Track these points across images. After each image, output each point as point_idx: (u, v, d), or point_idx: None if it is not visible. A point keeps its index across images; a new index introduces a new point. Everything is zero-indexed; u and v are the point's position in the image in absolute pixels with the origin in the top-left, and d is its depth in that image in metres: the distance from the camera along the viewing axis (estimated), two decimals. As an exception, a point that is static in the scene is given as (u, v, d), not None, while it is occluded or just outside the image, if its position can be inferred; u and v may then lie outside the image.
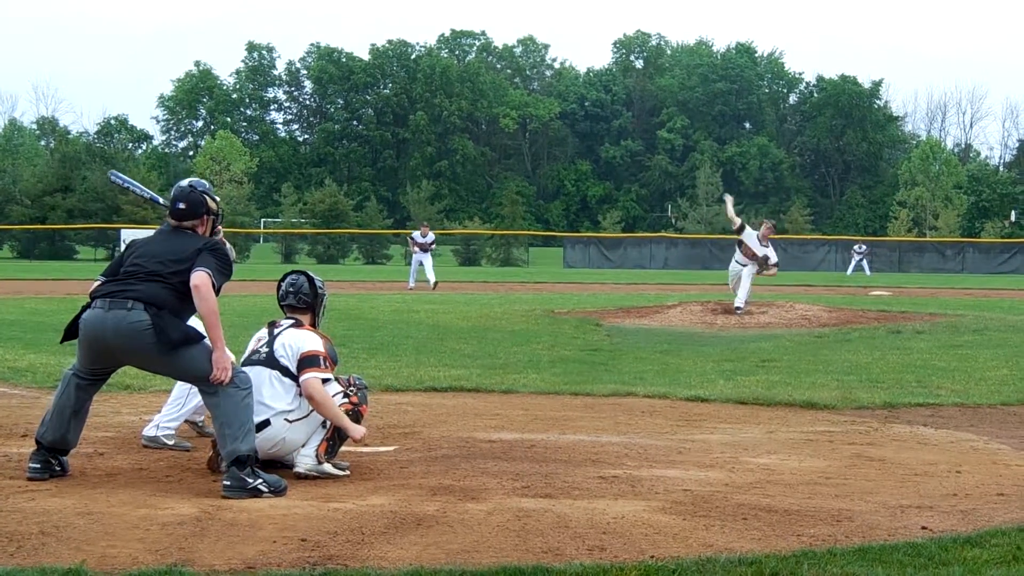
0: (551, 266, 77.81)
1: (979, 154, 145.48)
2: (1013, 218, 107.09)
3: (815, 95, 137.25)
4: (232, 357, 8.19)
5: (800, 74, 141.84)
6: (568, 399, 13.06)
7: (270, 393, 8.44)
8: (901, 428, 11.19)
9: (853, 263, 70.92)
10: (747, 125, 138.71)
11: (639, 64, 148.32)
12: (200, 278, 8.01)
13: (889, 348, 18.87)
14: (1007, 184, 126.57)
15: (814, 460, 9.38)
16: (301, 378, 8.45)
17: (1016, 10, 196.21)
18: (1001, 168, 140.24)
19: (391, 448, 9.28)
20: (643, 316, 24.64)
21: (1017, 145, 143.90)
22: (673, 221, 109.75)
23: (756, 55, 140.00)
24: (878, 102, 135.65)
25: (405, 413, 11.54)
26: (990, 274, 74.43)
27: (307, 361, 8.49)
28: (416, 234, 41.68)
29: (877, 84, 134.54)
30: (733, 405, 12.60)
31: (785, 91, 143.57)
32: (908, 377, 14.97)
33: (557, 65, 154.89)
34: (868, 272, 69.15)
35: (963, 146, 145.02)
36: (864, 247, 73.79)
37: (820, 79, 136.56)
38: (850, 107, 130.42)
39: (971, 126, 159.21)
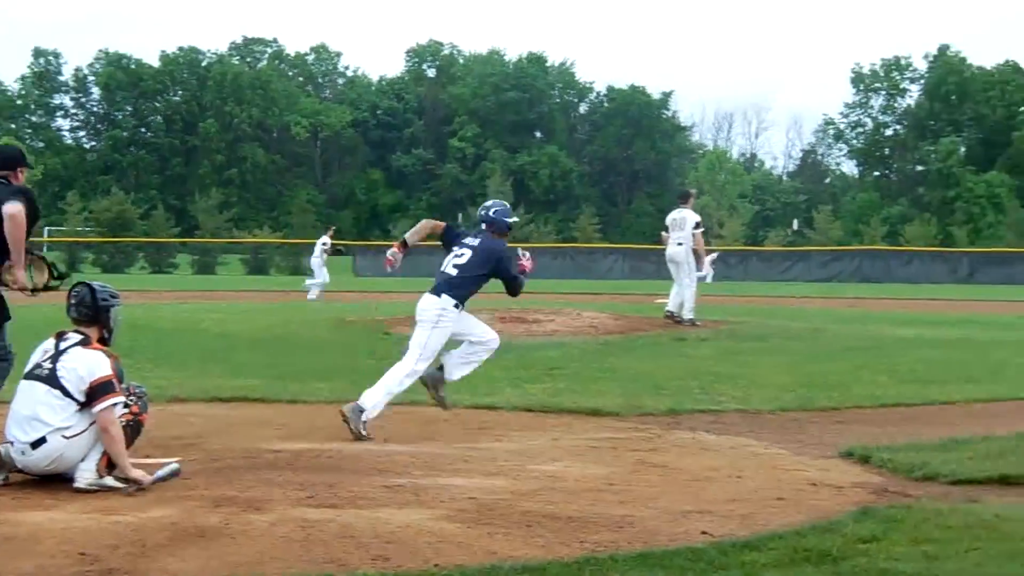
0: (341, 274, 77.38)
1: (763, 164, 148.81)
2: (795, 227, 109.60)
3: (605, 105, 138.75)
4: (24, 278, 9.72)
5: (591, 84, 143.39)
6: (355, 408, 12.98)
7: (46, 410, 8.35)
8: (683, 434, 11.37)
9: (711, 271, 72.14)
10: (538, 134, 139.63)
11: (431, 73, 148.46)
12: (15, 207, 9.67)
13: (673, 355, 19.14)
14: (790, 193, 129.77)
15: (598, 467, 9.47)
16: (96, 408, 8.38)
17: (800, 23, 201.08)
18: (785, 177, 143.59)
19: (174, 460, 9.14)
20: (433, 324, 24.62)
21: (800, 155, 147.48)
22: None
23: (547, 65, 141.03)
24: (667, 112, 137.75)
25: (189, 424, 11.38)
26: (772, 282, 76.00)
27: (100, 389, 8.42)
28: (326, 238, 41.35)
29: (666, 95, 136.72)
30: (519, 413, 12.67)
31: (576, 101, 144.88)
32: (691, 384, 15.20)
33: (350, 73, 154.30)
34: (710, 280, 70.36)
35: (748, 156, 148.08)
36: (715, 254, 75.20)
37: (611, 89, 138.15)
38: (639, 117, 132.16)
39: (756, 136, 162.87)
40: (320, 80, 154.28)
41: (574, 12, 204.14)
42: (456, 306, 11.59)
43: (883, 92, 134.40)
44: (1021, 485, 8.91)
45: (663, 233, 25.50)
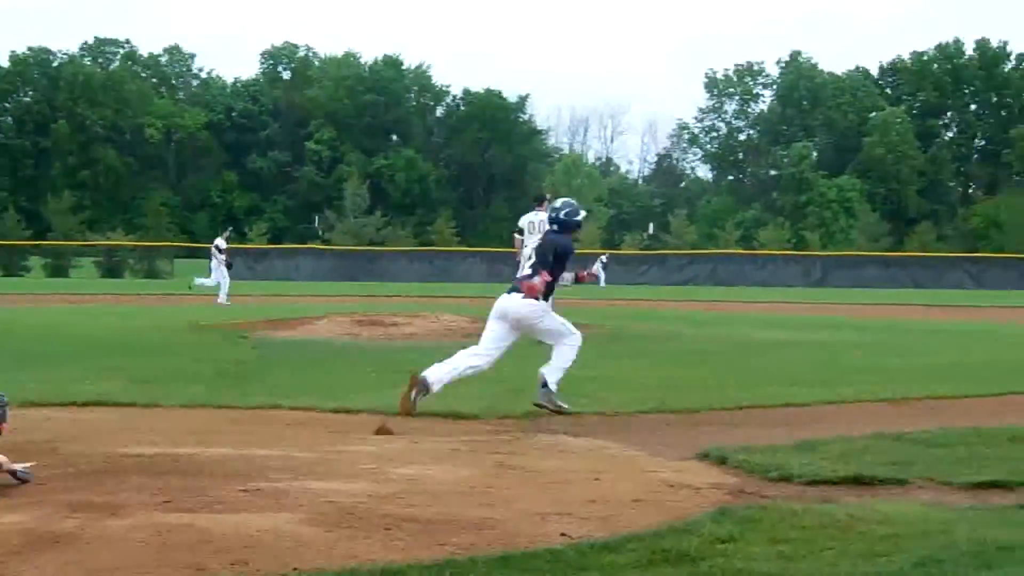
0: (197, 278, 76.56)
1: (619, 168, 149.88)
2: (651, 230, 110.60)
3: (462, 108, 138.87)
4: None
5: (447, 87, 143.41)
6: (214, 412, 12.86)
7: None
8: (543, 436, 11.39)
9: (603, 275, 72.54)
10: (395, 137, 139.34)
11: (287, 75, 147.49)
12: None
13: (532, 357, 19.16)
14: (646, 197, 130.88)
15: (458, 469, 9.46)
16: None
17: (655, 28, 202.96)
18: (640, 181, 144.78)
19: (29, 464, 8.97)
20: (290, 328, 24.50)
21: (656, 159, 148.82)
22: (320, 233, 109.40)
23: (404, 68, 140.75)
24: (523, 116, 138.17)
25: (46, 429, 11.18)
26: (629, 284, 76.65)
27: None
28: (220, 241, 40.82)
29: (523, 98, 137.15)
30: (378, 416, 12.61)
31: (432, 104, 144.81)
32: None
33: (204, 75, 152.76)
34: (602, 284, 70.80)
35: (604, 160, 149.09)
36: (606, 258, 75.77)
37: (467, 92, 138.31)
38: (496, 120, 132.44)
39: (612, 140, 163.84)
40: (174, 82, 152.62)
41: (430, 15, 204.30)
42: (545, 299, 12.71)
43: (737, 97, 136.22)
44: (875, 485, 9.05)
45: (516, 236, 25.67)
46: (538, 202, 26.03)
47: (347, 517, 7.59)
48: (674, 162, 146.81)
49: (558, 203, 13.26)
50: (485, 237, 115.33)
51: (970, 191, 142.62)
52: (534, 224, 25.14)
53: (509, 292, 12.78)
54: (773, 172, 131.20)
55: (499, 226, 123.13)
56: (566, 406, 12.64)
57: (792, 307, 44.29)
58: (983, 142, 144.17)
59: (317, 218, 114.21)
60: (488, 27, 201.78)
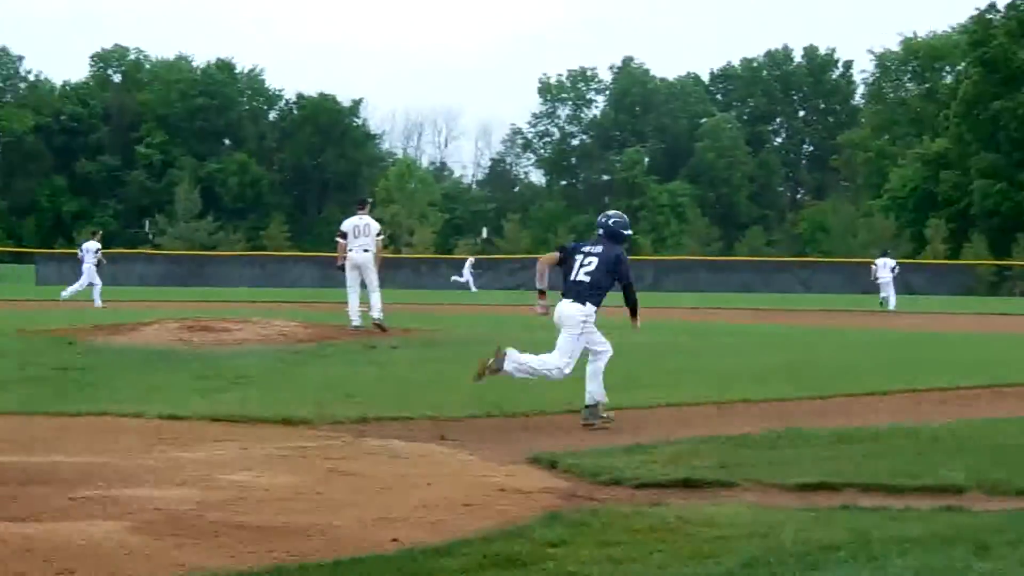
0: (23, 283, 75.17)
1: (453, 172, 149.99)
2: (485, 235, 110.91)
3: (295, 112, 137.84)
4: None
5: (280, 91, 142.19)
6: (40, 419, 12.65)
7: None
8: (374, 442, 11.36)
9: (472, 280, 72.44)
10: (227, 141, 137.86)
11: (117, 78, 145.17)
12: None
13: (365, 363, 19.14)
14: (480, 202, 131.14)
15: (288, 476, 9.40)
16: None
17: (488, 32, 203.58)
18: (474, 186, 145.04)
19: None
20: (119, 334, 24.09)
21: (489, 164, 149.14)
22: (151, 237, 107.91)
23: (236, 72, 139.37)
24: (357, 120, 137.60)
25: None
26: (462, 289, 76.76)
27: None
28: (95, 242, 40.34)
29: (356, 102, 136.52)
30: (208, 422, 12.48)
31: (265, 108, 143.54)
32: (382, 391, 15.21)
33: (32, 78, 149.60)
34: (473, 288, 70.75)
35: (438, 164, 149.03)
36: (474, 261, 75.70)
37: (300, 97, 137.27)
38: (329, 125, 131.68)
39: (446, 145, 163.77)
40: (1, 84, 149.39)
41: (263, 19, 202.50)
42: (596, 311, 13.22)
43: (570, 102, 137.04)
44: (703, 488, 9.18)
45: (340, 240, 25.78)
46: (360, 205, 26.25)
47: (175, 525, 7.51)
48: (508, 167, 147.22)
49: (611, 212, 14.10)
50: (318, 242, 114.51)
51: (799, 196, 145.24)
52: (359, 228, 25.38)
53: (563, 297, 13.41)
54: (606, 177, 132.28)
55: (332, 231, 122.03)
56: (608, 414, 13.05)
57: (623, 311, 44.59)
58: (811, 148, 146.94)
59: (148, 222, 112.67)
60: (320, 31, 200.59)
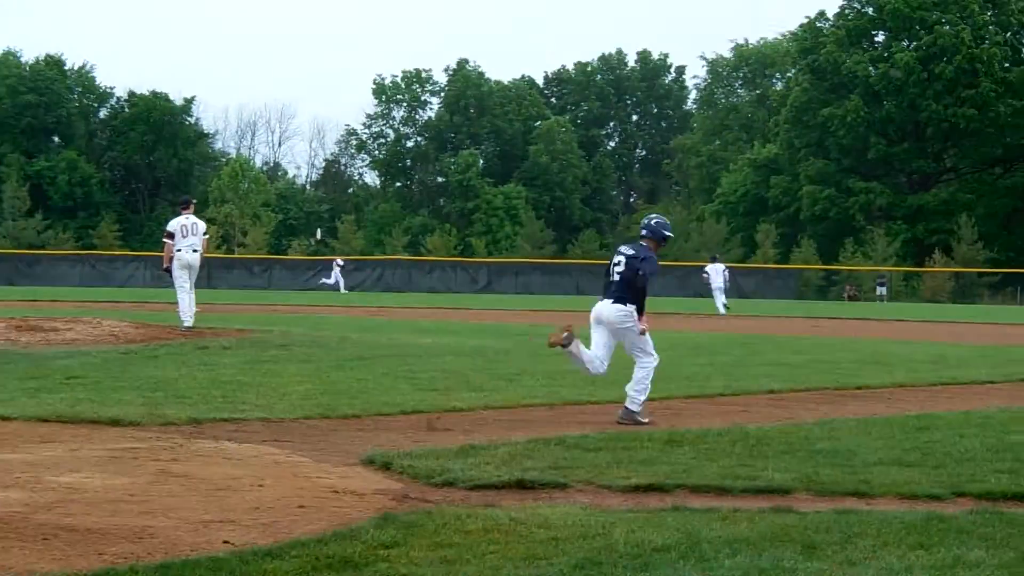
0: None
1: (287, 173, 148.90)
2: (319, 236, 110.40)
3: (127, 110, 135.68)
4: None
5: (111, 89, 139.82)
6: None
7: None
8: (206, 443, 11.25)
9: (342, 281, 71.81)
10: (56, 139, 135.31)
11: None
12: None
13: (196, 364, 18.94)
14: (313, 203, 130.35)
15: (118, 477, 9.28)
16: None
17: (322, 31, 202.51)
18: (308, 187, 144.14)
19: None
20: (-57, 334, 23.59)
21: (323, 164, 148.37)
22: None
23: (66, 68, 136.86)
24: (189, 119, 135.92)
25: None
26: (296, 290, 76.37)
27: None
28: None
29: (189, 101, 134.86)
30: (36, 423, 12.27)
31: (96, 105, 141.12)
32: (214, 392, 15.07)
33: None
34: (343, 290, 70.18)
35: (272, 164, 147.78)
36: (343, 262, 75.05)
37: (132, 94, 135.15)
38: (161, 123, 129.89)
39: (280, 145, 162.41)
40: None
41: (93, 15, 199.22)
42: (635, 309, 14.00)
43: (404, 104, 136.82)
44: (536, 489, 9.24)
45: (167, 240, 25.67)
46: (184, 206, 26.25)
47: (1, 527, 7.37)
48: (342, 168, 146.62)
49: (652, 215, 14.92)
50: (149, 242, 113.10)
51: (632, 200, 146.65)
52: (186, 227, 25.40)
53: (603, 297, 14.20)
54: (441, 179, 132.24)
55: (164, 231, 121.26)
56: (646, 420, 13.58)
57: (459, 313, 44.80)
58: (644, 152, 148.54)
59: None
60: (152, 28, 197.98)
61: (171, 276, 25.58)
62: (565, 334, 13.97)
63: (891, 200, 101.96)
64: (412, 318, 39.04)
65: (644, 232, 14.35)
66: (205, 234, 26.07)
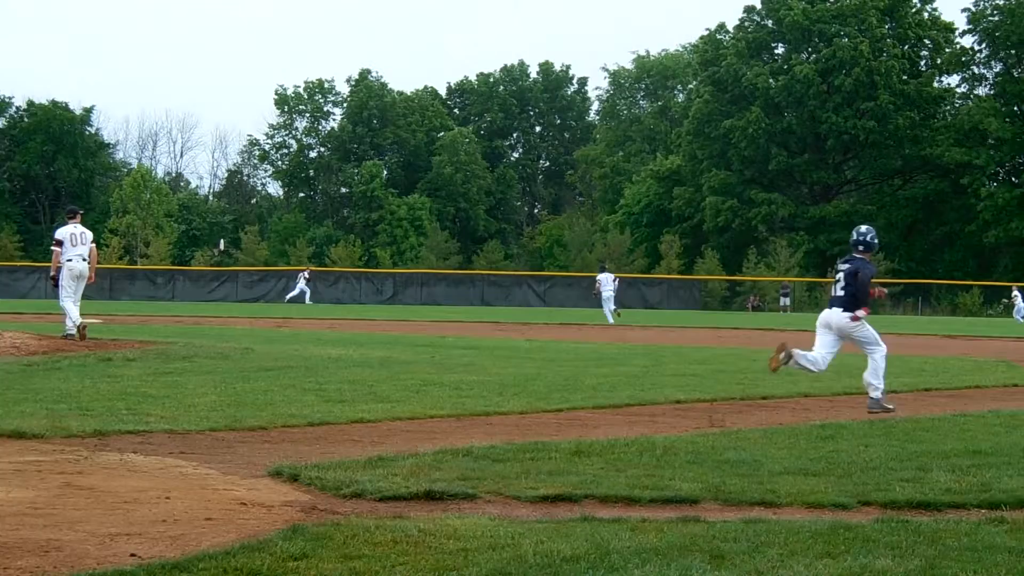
0: None
1: (190, 183, 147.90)
2: (222, 247, 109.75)
3: (26, 120, 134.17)
4: None
5: (10, 98, 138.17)
6: None
7: None
8: (111, 456, 11.14)
9: (308, 292, 71.65)
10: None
11: None
12: None
13: (100, 376, 18.75)
14: (217, 213, 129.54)
15: (22, 491, 9.17)
16: None
17: (223, 41, 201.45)
18: (211, 197, 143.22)
19: None
20: None
21: (226, 175, 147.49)
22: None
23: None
24: (90, 129, 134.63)
25: None
26: (200, 301, 75.88)
27: None
28: None
29: (88, 110, 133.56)
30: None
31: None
32: (119, 404, 14.92)
33: None
34: (308, 301, 69.87)
35: (174, 175, 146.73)
36: (308, 274, 74.70)
37: (31, 104, 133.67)
38: (61, 133, 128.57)
39: (182, 155, 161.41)
40: None
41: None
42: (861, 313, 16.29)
43: (307, 114, 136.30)
44: (445, 500, 9.24)
45: (56, 249, 25.60)
46: (71, 215, 26.29)
47: (-99, 544, 7.27)
48: (245, 178, 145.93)
49: (863, 228, 16.83)
50: (51, 253, 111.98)
51: (536, 211, 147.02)
52: (75, 236, 25.40)
53: (830, 307, 16.54)
54: (344, 190, 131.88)
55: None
56: (891, 407, 16.10)
57: (364, 324, 44.70)
58: (547, 163, 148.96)
59: None
60: (49, 35, 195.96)
61: (57, 286, 25.48)
62: (782, 354, 16.03)
63: (793, 211, 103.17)
64: (317, 329, 38.90)
65: (861, 248, 16.52)
66: (92, 242, 26.02)
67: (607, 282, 51.82)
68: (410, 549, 7.45)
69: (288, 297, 75.15)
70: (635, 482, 9.92)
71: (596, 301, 54.87)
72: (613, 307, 51.46)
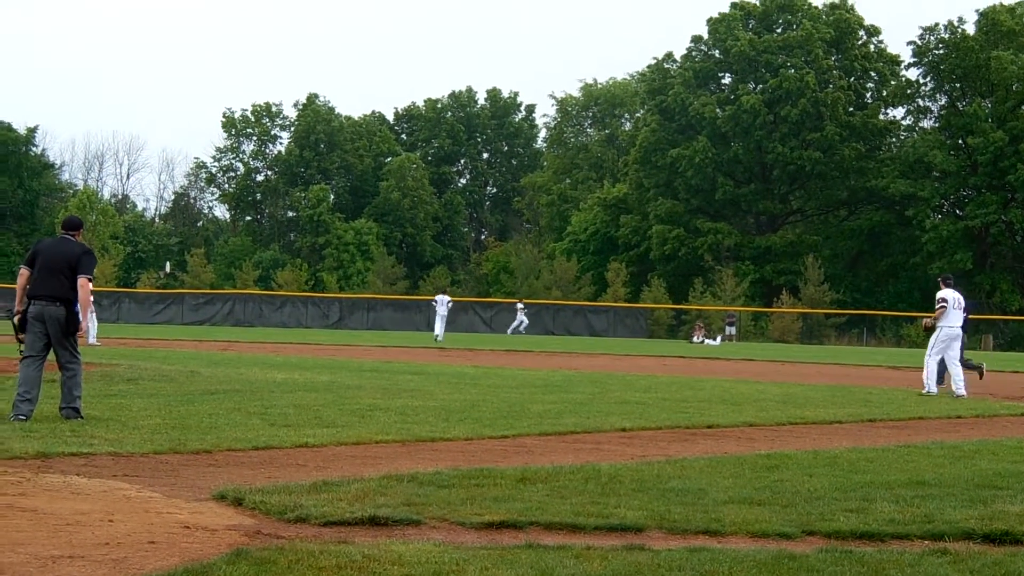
0: None
1: (136, 205, 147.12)
2: (168, 270, 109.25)
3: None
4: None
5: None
6: None
7: None
8: (54, 478, 11.07)
9: None
10: None
11: None
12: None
13: (43, 397, 18.52)
14: (163, 235, 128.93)
15: (-37, 513, 9.10)
16: None
17: (170, 63, 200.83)
18: (157, 220, 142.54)
19: None
20: None
21: (172, 197, 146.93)
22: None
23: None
24: (34, 149, 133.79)
25: None
26: (146, 323, 75.52)
27: None
28: None
29: (32, 130, 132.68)
30: None
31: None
32: (62, 426, 14.84)
33: None
34: None
35: (120, 197, 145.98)
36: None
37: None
38: (5, 153, 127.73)
39: (128, 177, 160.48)
40: None
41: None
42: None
43: (254, 138, 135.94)
44: (390, 526, 9.22)
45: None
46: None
47: None
48: (191, 201, 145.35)
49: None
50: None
51: (483, 237, 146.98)
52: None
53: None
54: (291, 214, 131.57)
55: (8, 261, 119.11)
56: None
57: (309, 348, 44.62)
58: (495, 190, 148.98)
59: None
60: None
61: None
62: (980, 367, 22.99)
63: (739, 240, 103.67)
64: (263, 353, 38.79)
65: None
66: None
67: (441, 303, 57.68)
68: (354, 574, 7.45)
69: (510, 330, 75.20)
70: (580, 509, 9.93)
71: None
72: (440, 328, 57.68)
